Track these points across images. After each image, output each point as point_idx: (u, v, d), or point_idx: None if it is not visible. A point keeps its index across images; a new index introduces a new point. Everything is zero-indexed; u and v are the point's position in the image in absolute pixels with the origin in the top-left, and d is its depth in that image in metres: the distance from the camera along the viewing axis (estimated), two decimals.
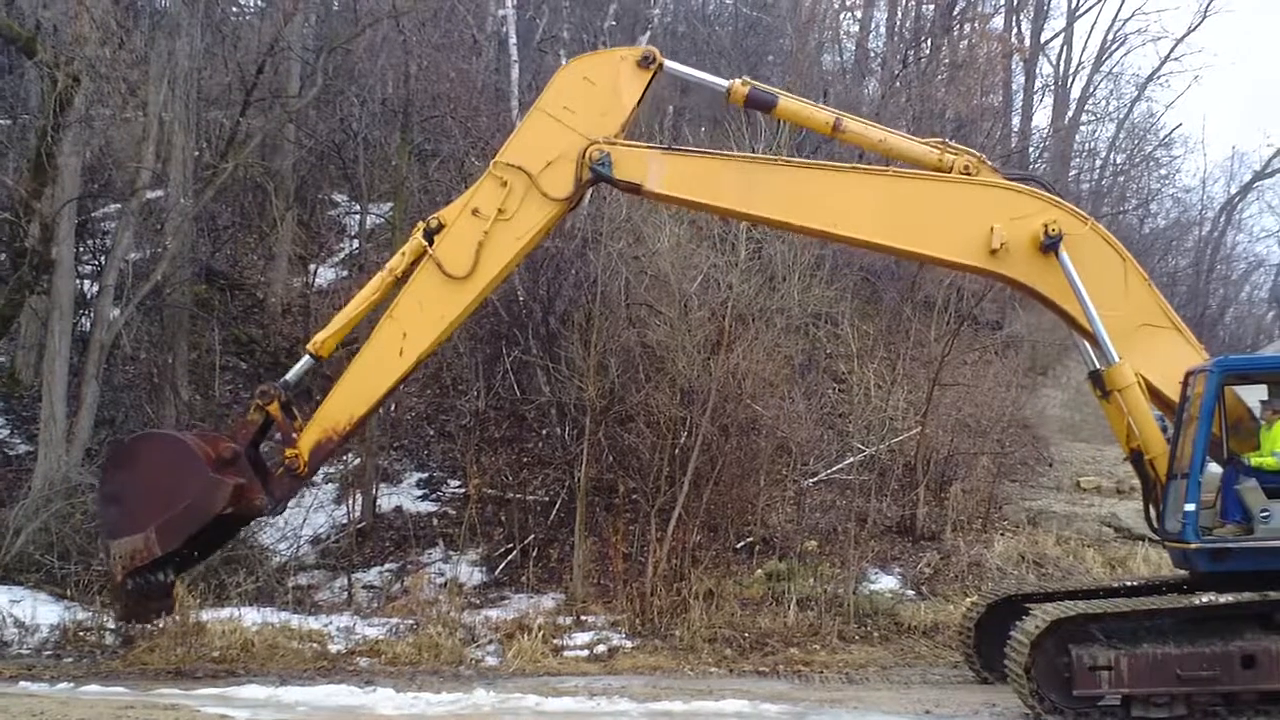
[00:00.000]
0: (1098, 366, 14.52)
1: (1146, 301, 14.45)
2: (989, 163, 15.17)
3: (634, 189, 14.72)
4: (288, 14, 26.03)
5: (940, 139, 15.62)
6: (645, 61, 14.73)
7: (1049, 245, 14.01)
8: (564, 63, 26.41)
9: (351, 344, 15.71)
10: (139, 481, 13.98)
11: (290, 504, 16.37)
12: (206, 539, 14.79)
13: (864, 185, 14.64)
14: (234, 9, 31.31)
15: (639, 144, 15.01)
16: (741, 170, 14.80)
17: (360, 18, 27.24)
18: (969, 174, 14.66)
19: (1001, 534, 23.00)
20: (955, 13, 42.88)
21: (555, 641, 17.86)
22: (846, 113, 15.89)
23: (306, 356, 14.82)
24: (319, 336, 14.78)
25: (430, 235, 14.47)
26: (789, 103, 15.40)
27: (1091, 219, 14.77)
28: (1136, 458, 14.29)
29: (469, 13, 29.82)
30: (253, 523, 17.97)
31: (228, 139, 25.54)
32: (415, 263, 14.53)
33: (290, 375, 14.85)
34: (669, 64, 15.07)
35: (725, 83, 15.30)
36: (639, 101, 14.88)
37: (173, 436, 15.09)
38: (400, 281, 14.60)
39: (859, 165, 15.51)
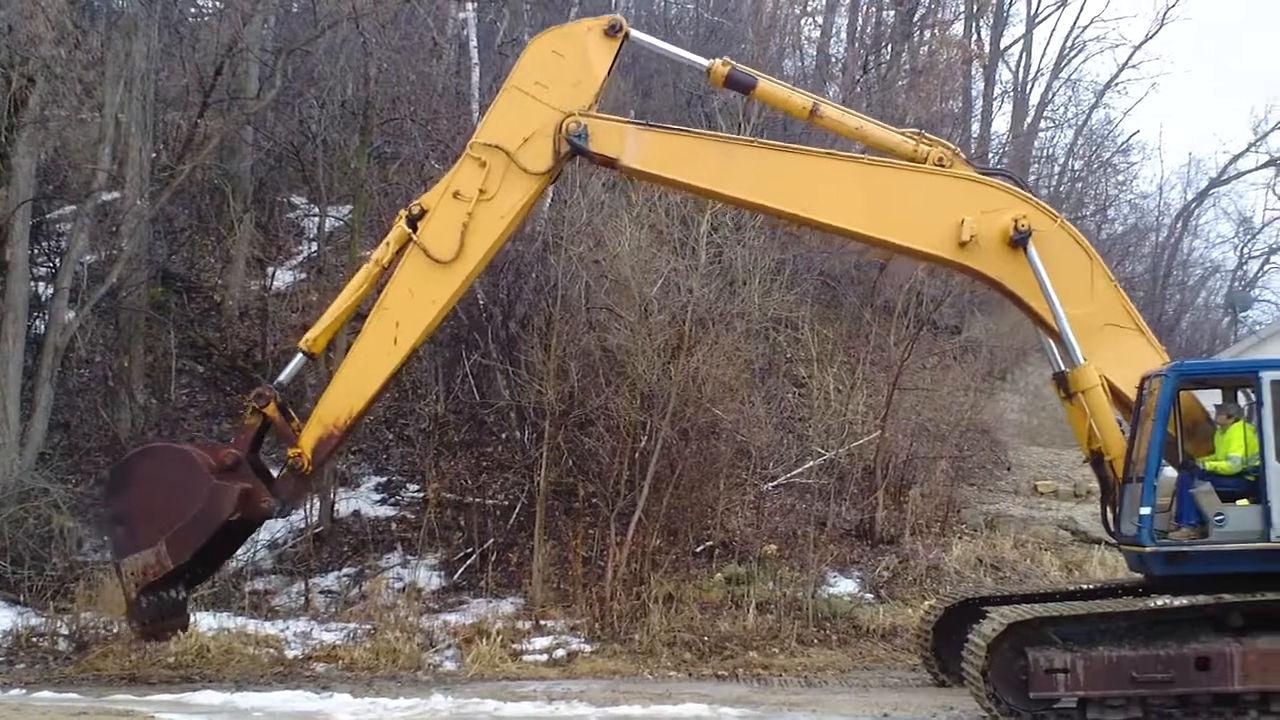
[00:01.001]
0: (1063, 368, 14.62)
1: (1112, 302, 14.54)
2: (962, 156, 15.24)
3: (610, 163, 14.72)
4: (246, 15, 25.83)
5: (916, 130, 15.66)
6: (612, 30, 14.70)
7: (1018, 240, 14.09)
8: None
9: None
10: (143, 497, 13.80)
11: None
12: (215, 550, 14.60)
13: (839, 171, 14.68)
14: (192, 10, 31.08)
15: (616, 118, 15.03)
16: (718, 150, 14.83)
17: (320, 19, 27.00)
18: (943, 166, 14.72)
19: (959, 537, 23.14)
20: (915, 19, 43.18)
21: (514, 646, 17.84)
22: (824, 99, 15.98)
23: (299, 355, 14.74)
24: (310, 334, 14.69)
25: (413, 222, 14.40)
26: (768, 85, 15.45)
27: (1061, 217, 14.87)
28: (1097, 460, 14.40)
29: (429, 15, 29.63)
30: None
31: (185, 140, 25.36)
32: (400, 252, 14.47)
33: (283, 376, 14.77)
34: (636, 34, 15.09)
35: (705, 61, 15.37)
36: (609, 71, 14.88)
37: (173, 448, 14.94)
38: (387, 272, 14.54)
39: (834, 151, 15.48)
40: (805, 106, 15.23)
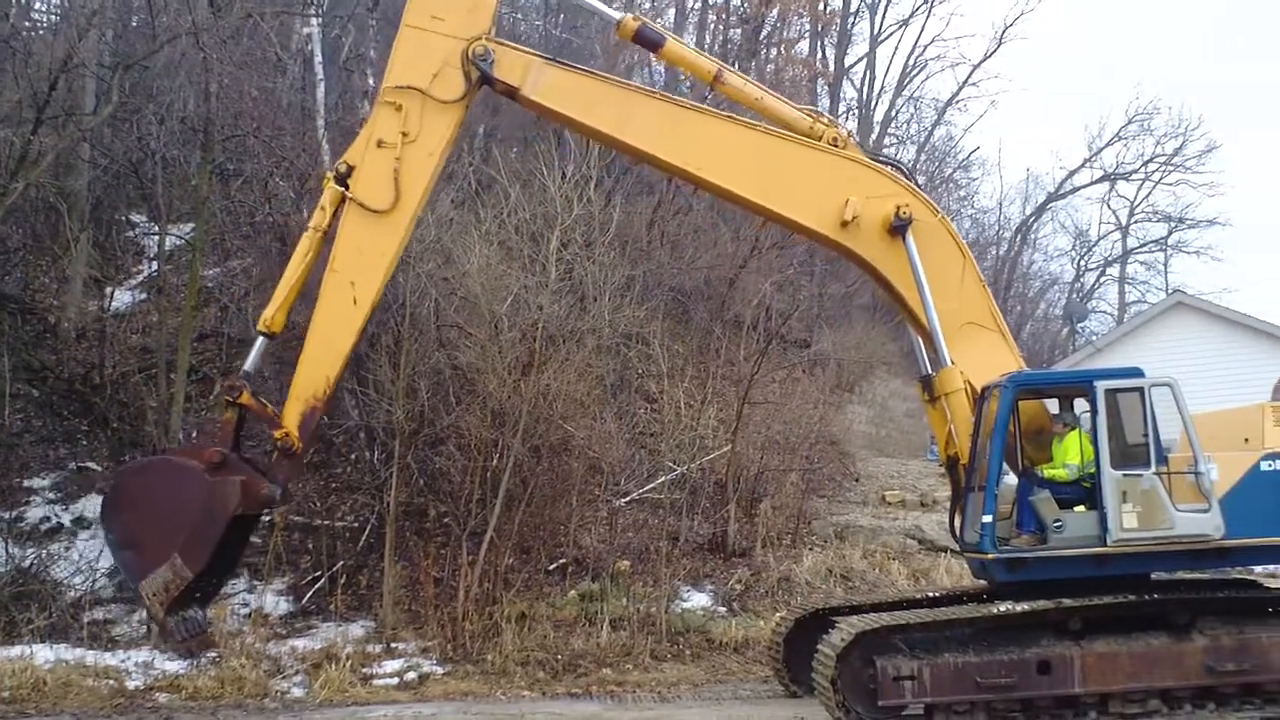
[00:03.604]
0: (930, 371, 14.90)
1: (977, 302, 14.92)
2: (856, 140, 15.56)
3: (511, 92, 14.67)
4: (82, 29, 25.15)
5: (813, 109, 15.97)
6: None
7: (898, 227, 14.45)
8: (370, 82, 26.19)
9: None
10: (144, 515, 13.33)
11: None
12: (223, 554, 14.08)
13: (736, 135, 14.87)
14: (26, 24, 30.19)
15: (524, 48, 15.08)
16: (620, 95, 14.93)
17: (158, 34, 26.40)
18: (836, 146, 14.96)
19: (810, 549, 23.41)
20: (762, 37, 43.67)
21: (364, 670, 17.59)
22: (729, 67, 16.16)
23: (260, 338, 14.39)
24: (266, 313, 14.33)
25: (343, 180, 14.21)
26: (675, 46, 15.73)
27: (942, 212, 15.24)
28: (953, 464, 14.65)
29: (272, 31, 29.14)
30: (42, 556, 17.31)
31: (18, 158, 24.48)
32: (337, 213, 14.24)
33: (249, 364, 14.42)
34: None
35: (617, 15, 15.60)
36: None
37: (158, 460, 14.86)
38: (328, 236, 14.27)
39: (735, 116, 15.65)
40: (710, 71, 15.50)
